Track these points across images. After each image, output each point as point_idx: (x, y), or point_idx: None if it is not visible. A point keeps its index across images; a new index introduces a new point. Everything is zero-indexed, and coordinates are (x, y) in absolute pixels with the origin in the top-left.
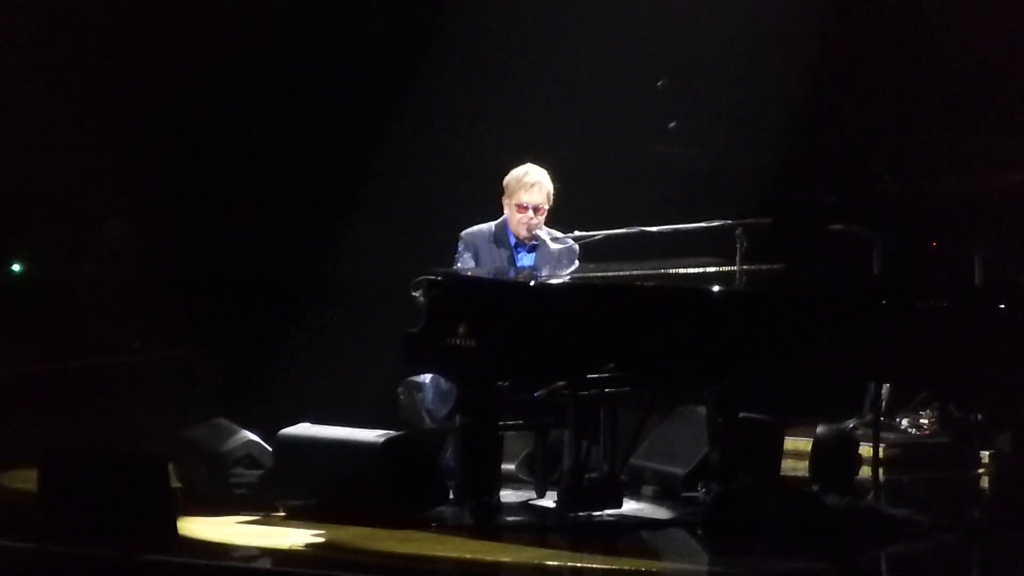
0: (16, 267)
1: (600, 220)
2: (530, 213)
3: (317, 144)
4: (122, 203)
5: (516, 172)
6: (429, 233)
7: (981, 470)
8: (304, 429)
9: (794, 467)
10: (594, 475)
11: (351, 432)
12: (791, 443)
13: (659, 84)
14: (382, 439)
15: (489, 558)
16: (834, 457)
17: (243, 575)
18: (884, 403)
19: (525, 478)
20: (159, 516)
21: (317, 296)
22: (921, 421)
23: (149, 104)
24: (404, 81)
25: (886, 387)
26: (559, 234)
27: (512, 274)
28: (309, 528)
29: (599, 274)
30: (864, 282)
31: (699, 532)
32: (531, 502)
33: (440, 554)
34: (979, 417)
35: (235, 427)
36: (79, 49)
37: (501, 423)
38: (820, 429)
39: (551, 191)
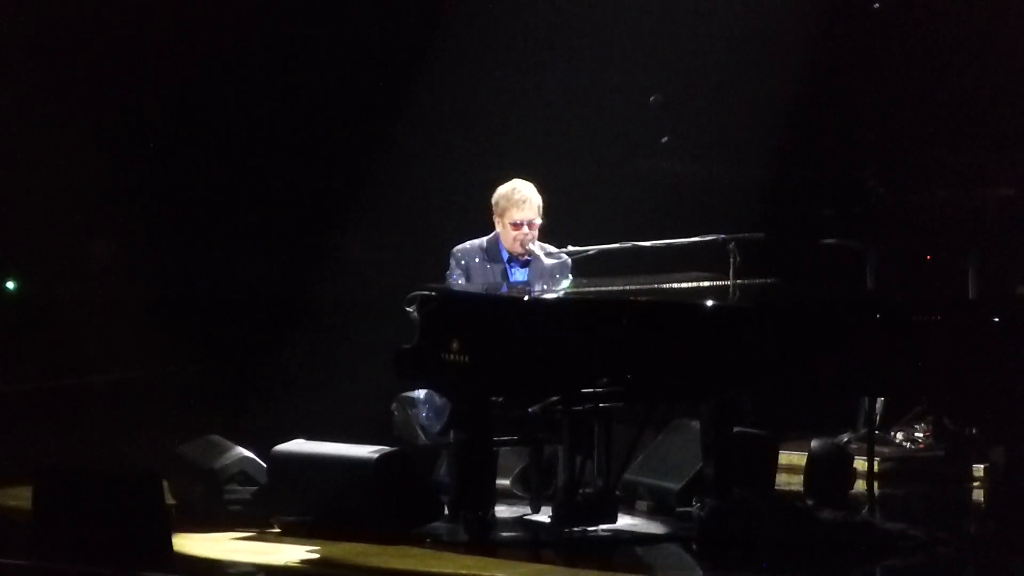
0: (10, 284)
1: (593, 235)
2: (524, 229)
3: (308, 160)
4: (111, 220)
5: (503, 190)
6: (421, 248)
7: (976, 484)
8: (298, 445)
9: (788, 481)
10: (588, 490)
11: (345, 448)
12: (785, 457)
13: (652, 99)
14: (376, 455)
15: (484, 574)
16: (829, 471)
17: None
18: (878, 417)
19: (520, 493)
20: (154, 533)
21: (310, 312)
22: (916, 435)
23: (138, 120)
24: (395, 96)
25: (880, 401)
26: (553, 249)
27: (505, 289)
28: (304, 544)
29: (593, 289)
30: (858, 296)
31: (694, 547)
32: (526, 517)
33: (435, 570)
34: (974, 431)
35: (229, 444)
36: (65, 70)
37: (495, 439)
38: (814, 443)
39: (540, 204)
